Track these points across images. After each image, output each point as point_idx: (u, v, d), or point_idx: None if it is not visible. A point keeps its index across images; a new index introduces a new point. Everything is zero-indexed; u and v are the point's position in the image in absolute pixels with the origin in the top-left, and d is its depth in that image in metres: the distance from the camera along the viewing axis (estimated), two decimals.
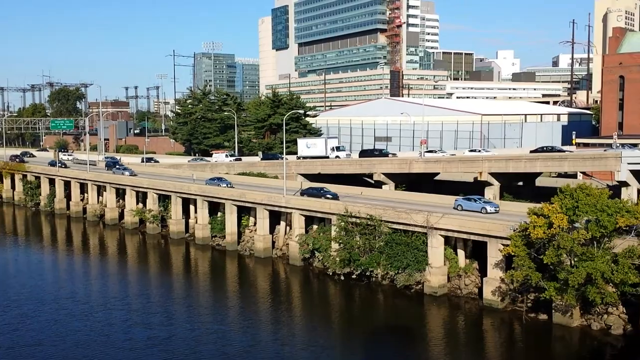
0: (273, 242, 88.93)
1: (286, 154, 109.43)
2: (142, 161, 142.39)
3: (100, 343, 55.68)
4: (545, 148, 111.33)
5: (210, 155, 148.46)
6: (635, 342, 53.33)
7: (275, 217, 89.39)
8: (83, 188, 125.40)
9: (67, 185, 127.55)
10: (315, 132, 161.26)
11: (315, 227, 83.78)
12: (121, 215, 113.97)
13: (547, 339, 56.37)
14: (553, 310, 57.54)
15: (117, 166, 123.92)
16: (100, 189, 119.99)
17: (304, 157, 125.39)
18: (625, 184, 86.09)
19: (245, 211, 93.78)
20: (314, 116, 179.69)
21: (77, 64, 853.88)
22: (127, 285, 78.36)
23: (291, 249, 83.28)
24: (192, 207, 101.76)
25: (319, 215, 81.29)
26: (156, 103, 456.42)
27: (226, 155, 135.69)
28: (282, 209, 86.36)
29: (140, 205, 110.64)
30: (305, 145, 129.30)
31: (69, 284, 78.41)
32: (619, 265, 51.98)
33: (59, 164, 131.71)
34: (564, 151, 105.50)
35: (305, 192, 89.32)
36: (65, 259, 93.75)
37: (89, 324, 60.94)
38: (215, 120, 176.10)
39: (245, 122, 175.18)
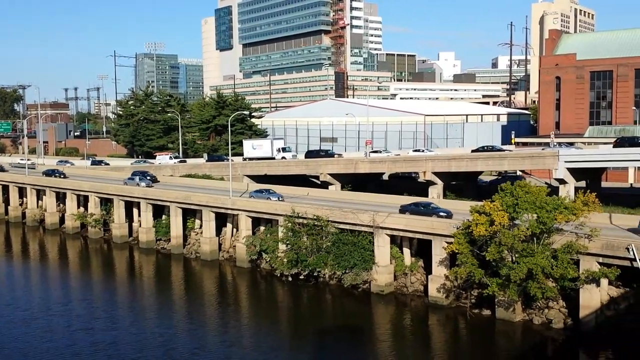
0: (220, 245, 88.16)
1: (232, 156, 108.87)
2: (92, 164, 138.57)
3: (42, 350, 54.24)
4: (485, 147, 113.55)
5: (154, 158, 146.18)
6: (575, 335, 55.07)
7: (222, 219, 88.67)
8: (22, 192, 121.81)
9: (4, 189, 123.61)
10: (261, 134, 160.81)
11: (262, 228, 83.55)
12: (62, 220, 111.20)
13: (491, 333, 57.66)
14: (496, 306, 58.85)
15: (132, 176, 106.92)
16: (40, 193, 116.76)
17: (250, 159, 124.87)
18: (562, 181, 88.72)
19: (190, 214, 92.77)
20: (260, 117, 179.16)
21: (14, 65, 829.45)
22: (69, 290, 76.47)
23: (238, 251, 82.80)
24: (135, 211, 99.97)
25: (266, 216, 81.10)
26: (97, 105, 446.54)
27: (170, 157, 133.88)
28: (229, 211, 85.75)
29: (82, 209, 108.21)
30: (251, 147, 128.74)
31: (9, 290, 75.98)
32: (558, 260, 53.56)
33: (57, 174, 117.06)
34: (504, 150, 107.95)
35: (406, 209, 73.19)
36: (4, 265, 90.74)
37: (30, 331, 59.24)
38: (159, 121, 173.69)
39: (190, 123, 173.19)
